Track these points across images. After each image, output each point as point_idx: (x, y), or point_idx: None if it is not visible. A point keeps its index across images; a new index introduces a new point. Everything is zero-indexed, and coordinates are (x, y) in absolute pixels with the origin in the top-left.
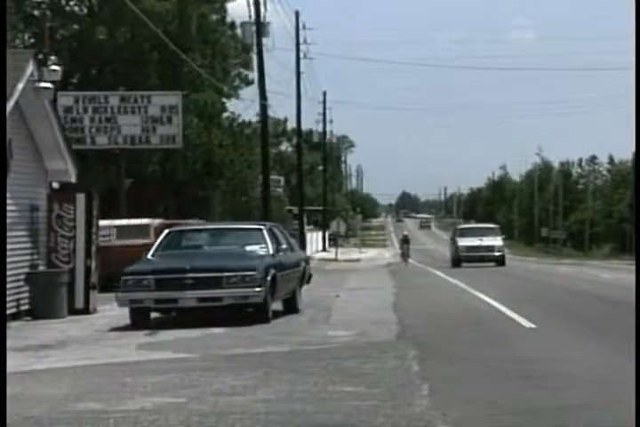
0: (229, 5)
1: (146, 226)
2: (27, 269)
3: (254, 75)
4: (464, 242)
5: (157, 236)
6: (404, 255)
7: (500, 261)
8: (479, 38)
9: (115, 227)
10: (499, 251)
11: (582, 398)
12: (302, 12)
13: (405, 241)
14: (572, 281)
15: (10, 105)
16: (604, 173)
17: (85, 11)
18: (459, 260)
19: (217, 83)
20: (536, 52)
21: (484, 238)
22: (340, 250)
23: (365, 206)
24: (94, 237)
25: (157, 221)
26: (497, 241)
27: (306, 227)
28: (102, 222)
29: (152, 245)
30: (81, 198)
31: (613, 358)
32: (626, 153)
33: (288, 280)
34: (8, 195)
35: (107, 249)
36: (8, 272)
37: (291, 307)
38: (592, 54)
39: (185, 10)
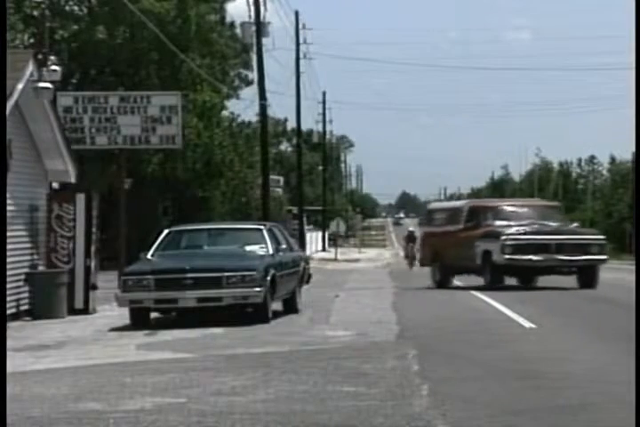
0: (229, 5)
1: (458, 209)
2: (27, 269)
3: (254, 75)
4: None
5: (467, 222)
6: (410, 257)
7: None
8: (478, 38)
9: (441, 210)
10: None
11: (582, 398)
12: (302, 12)
13: (411, 239)
14: (572, 281)
15: (10, 105)
16: (605, 172)
17: (85, 11)
18: None
19: (216, 83)
20: (536, 52)
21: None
22: (339, 250)
23: (365, 206)
24: (94, 237)
25: (468, 204)
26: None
27: (305, 227)
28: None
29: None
30: (81, 198)
31: (613, 358)
32: (626, 153)
33: (288, 280)
34: (8, 195)
35: (434, 235)
36: (8, 272)
37: (290, 307)
38: (592, 54)
39: (184, 10)
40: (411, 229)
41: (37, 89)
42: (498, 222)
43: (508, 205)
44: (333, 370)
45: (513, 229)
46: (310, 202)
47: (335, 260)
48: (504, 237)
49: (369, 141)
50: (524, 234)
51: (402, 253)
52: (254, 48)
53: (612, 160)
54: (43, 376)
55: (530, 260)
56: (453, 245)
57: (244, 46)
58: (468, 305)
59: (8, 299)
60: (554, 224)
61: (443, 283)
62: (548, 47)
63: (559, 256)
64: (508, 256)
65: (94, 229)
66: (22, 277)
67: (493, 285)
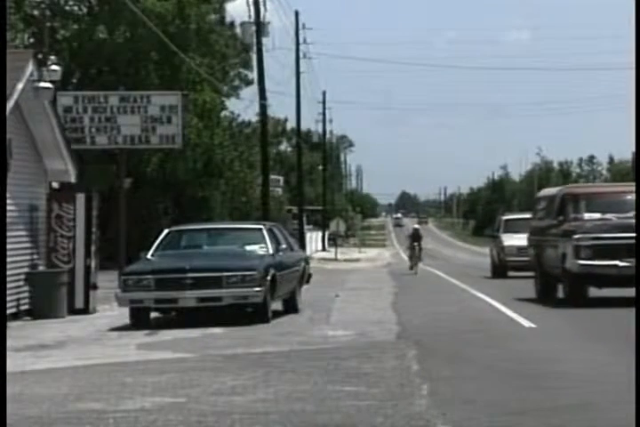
0: (228, 5)
1: (553, 198)
2: (27, 269)
3: (254, 75)
4: (510, 240)
5: (558, 214)
6: (414, 257)
7: None
8: (478, 38)
9: (544, 198)
10: None
11: (582, 398)
12: (302, 12)
13: (416, 237)
14: None
15: (10, 105)
16: (604, 172)
17: (85, 10)
18: (503, 267)
19: (216, 83)
20: (535, 52)
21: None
22: (339, 250)
23: (365, 206)
24: (94, 237)
25: (562, 191)
26: None
27: (305, 227)
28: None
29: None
30: (81, 198)
31: (613, 358)
32: (626, 153)
33: (288, 280)
34: (8, 195)
35: (534, 232)
36: (8, 272)
37: (290, 307)
38: (592, 54)
39: (184, 9)
40: (416, 226)
41: (37, 89)
42: (588, 215)
43: (609, 193)
44: (333, 370)
45: (590, 225)
46: (310, 202)
47: (335, 259)
48: (577, 237)
49: (369, 141)
50: (606, 231)
51: (405, 255)
52: (254, 48)
53: (611, 160)
54: (43, 376)
55: (615, 266)
56: (545, 246)
57: (244, 46)
58: (468, 305)
59: (8, 299)
60: None
61: (543, 293)
62: (548, 47)
63: None
64: (582, 262)
65: (94, 229)
66: (22, 277)
67: (572, 299)
